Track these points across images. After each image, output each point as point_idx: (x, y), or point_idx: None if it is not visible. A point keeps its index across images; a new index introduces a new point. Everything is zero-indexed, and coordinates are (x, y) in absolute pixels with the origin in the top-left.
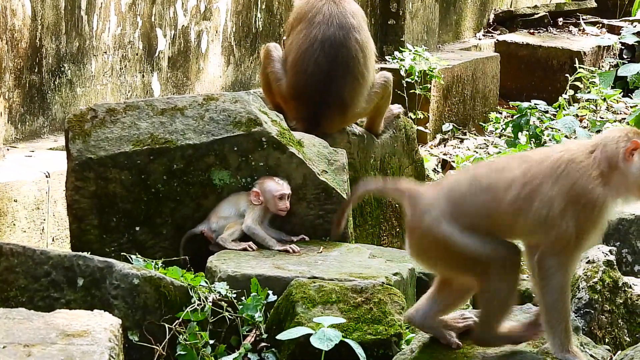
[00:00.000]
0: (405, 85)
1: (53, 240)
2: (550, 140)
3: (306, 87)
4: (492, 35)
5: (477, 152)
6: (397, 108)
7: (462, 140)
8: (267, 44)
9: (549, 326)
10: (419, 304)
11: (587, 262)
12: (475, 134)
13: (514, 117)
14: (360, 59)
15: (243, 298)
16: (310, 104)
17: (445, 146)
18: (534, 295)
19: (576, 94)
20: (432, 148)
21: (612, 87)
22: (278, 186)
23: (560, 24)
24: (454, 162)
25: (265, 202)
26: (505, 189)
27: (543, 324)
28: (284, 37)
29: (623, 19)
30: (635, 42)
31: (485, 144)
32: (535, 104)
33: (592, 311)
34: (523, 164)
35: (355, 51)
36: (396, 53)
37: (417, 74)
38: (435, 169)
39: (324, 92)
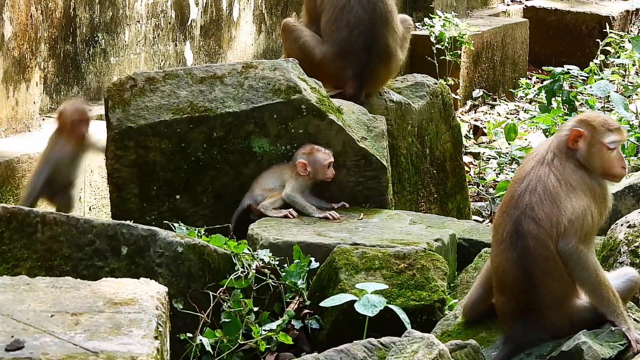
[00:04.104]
0: (435, 51)
1: (90, 209)
2: (582, 104)
3: (351, 41)
4: (520, 1)
5: (508, 118)
6: None
7: (492, 107)
8: (283, 21)
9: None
10: None
11: (628, 227)
12: (505, 100)
13: (545, 82)
14: (392, 11)
15: (285, 265)
16: (358, 58)
17: (475, 112)
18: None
19: (606, 59)
20: (462, 114)
21: None
22: (326, 155)
23: None
24: (485, 128)
25: (313, 172)
26: None
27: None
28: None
29: None
30: None
31: (516, 109)
32: (568, 69)
33: None
34: None
35: (390, 4)
36: (426, 20)
37: (447, 40)
38: (467, 135)
39: (369, 44)
